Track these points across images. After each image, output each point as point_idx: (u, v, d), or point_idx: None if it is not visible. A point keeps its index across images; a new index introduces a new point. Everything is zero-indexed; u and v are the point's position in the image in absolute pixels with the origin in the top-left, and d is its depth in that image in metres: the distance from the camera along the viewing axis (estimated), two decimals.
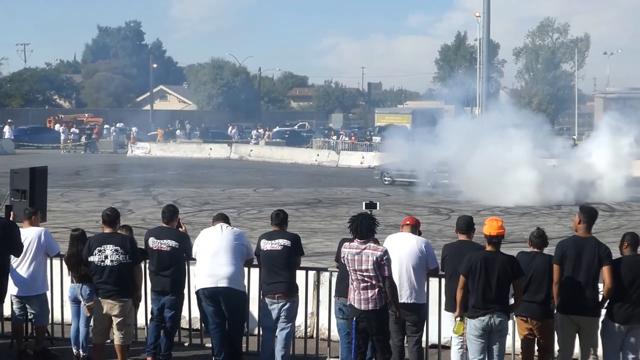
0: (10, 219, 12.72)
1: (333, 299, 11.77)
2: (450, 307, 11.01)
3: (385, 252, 10.07)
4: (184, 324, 12.87)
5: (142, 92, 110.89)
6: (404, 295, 10.91)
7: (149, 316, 12.27)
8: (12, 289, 12.21)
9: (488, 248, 10.28)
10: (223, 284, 11.37)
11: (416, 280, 11.10)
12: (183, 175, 44.88)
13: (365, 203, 12.06)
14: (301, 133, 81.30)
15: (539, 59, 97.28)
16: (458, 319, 10.41)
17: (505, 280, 10.15)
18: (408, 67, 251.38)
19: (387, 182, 40.48)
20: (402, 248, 11.08)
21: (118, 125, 74.76)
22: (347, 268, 10.17)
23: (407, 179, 38.94)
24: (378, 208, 11.85)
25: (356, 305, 10.12)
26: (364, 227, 10.09)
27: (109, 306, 11.31)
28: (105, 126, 75.68)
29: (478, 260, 10.19)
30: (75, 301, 12.18)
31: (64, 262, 12.55)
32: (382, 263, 9.98)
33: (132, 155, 61.82)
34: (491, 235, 10.24)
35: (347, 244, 10.29)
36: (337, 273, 11.64)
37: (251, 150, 61.95)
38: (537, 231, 10.86)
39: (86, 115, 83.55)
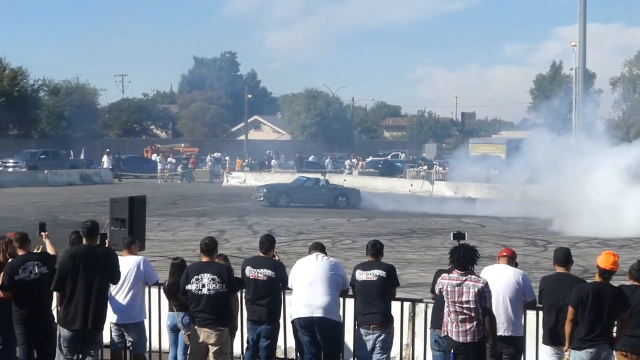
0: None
1: (429, 331, 11.69)
2: (547, 340, 10.84)
3: (487, 284, 9.99)
4: (279, 353, 12.89)
5: (237, 122, 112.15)
6: (501, 328, 10.77)
7: (245, 345, 12.36)
8: (111, 316, 12.37)
9: (597, 279, 10.16)
10: (319, 313, 11.41)
11: (513, 312, 10.96)
12: (277, 205, 45.13)
13: (453, 234, 11.96)
14: (394, 163, 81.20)
15: (636, 89, 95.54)
16: (567, 353, 10.25)
17: (614, 313, 10.03)
18: (502, 96, 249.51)
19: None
20: (499, 280, 10.94)
21: (215, 154, 75.52)
22: (445, 299, 10.10)
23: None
24: (466, 239, 11.76)
25: (454, 338, 10.02)
26: (466, 259, 10.02)
27: (206, 335, 11.41)
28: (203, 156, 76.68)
29: (589, 291, 10.06)
30: (174, 330, 12.32)
31: (162, 290, 12.72)
32: (485, 295, 9.91)
33: (228, 185, 62.45)
34: (605, 269, 10.16)
35: (445, 275, 10.22)
36: (432, 304, 11.57)
37: (345, 180, 61.92)
38: (638, 264, 10.63)
39: (182, 145, 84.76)
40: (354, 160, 77.81)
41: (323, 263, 11.68)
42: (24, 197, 46.63)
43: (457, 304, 9.97)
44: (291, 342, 12.47)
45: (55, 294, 11.64)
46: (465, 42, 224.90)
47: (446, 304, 10.07)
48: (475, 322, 9.94)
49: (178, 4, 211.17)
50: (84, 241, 11.46)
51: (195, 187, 61.31)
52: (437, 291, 10.40)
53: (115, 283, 11.93)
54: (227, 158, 75.23)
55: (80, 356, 11.56)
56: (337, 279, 11.65)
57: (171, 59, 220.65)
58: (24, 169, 64.62)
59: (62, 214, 36.97)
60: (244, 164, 73.88)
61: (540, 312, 11.21)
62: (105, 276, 11.31)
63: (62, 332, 11.27)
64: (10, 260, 11.71)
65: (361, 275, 11.61)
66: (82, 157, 72.63)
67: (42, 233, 12.84)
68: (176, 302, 12.03)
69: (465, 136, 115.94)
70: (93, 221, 11.53)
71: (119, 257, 12.39)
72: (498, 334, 10.44)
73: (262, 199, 44.80)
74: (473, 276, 10.01)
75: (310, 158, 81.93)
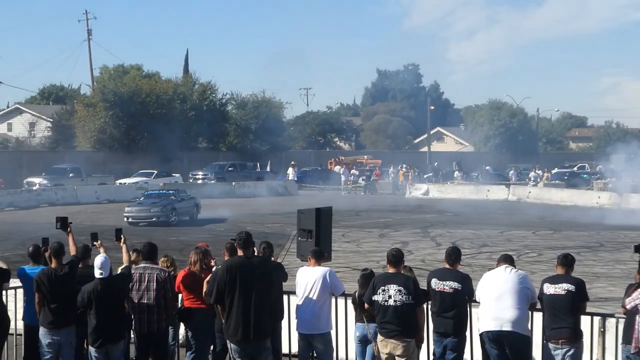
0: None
1: (620, 347, 11.41)
2: None
3: None
4: None
5: (420, 133, 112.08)
6: None
7: (431, 357, 12.37)
8: (298, 327, 12.61)
9: None
10: (508, 327, 11.30)
11: None
12: (461, 217, 44.88)
13: (635, 246, 11.70)
14: (581, 175, 79.24)
15: None
16: None
17: None
18: None
19: None
20: None
21: (400, 166, 75.50)
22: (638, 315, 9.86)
23: None
24: None
25: None
26: None
27: (393, 346, 11.49)
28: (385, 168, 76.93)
29: None
30: (362, 341, 12.43)
31: (350, 301, 12.87)
32: None
33: (410, 197, 62.48)
34: None
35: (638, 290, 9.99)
36: (624, 320, 11.29)
37: (529, 192, 60.98)
38: None
39: (365, 157, 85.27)
40: (539, 172, 76.41)
41: (512, 276, 11.57)
42: (212, 208, 47.98)
43: None
44: (477, 355, 12.40)
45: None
46: None
47: (638, 320, 9.82)
48: None
49: (361, 17, 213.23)
50: (239, 252, 11.51)
51: (377, 198, 61.61)
52: (628, 306, 10.15)
53: (274, 294, 11.93)
54: (409, 169, 75.19)
55: None
56: (527, 292, 11.51)
57: (354, 71, 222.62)
58: (212, 181, 66.54)
59: (249, 224, 37.86)
60: (413, 173, 73.34)
61: None
62: (263, 286, 11.40)
63: (230, 344, 11.46)
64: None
65: (549, 289, 11.45)
66: (268, 169, 74.16)
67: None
68: (367, 313, 12.12)
69: None
70: (247, 232, 11.63)
71: (306, 267, 12.64)
72: None
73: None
74: None
75: (487, 168, 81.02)
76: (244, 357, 11.38)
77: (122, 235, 12.60)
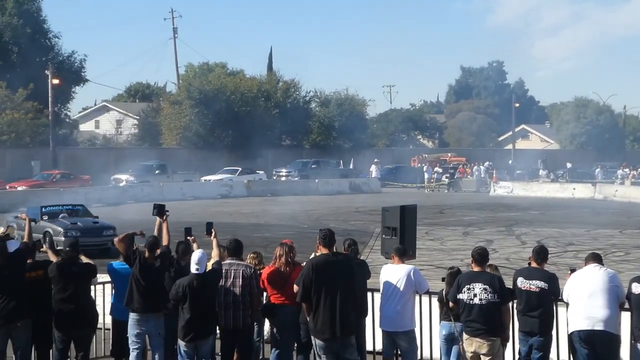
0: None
1: None
2: None
3: None
4: None
5: (504, 131, 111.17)
6: None
7: (517, 357, 12.28)
8: (382, 324, 12.63)
9: None
10: (599, 327, 11.19)
11: None
12: (546, 215, 44.37)
13: None
14: None
15: None
16: None
17: None
18: None
19: None
20: None
21: (486, 164, 74.98)
22: None
23: None
24: None
25: None
26: None
27: (478, 345, 11.44)
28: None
29: None
30: (448, 339, 12.39)
31: (434, 299, 12.84)
32: None
33: (495, 195, 61.97)
34: None
35: None
36: None
37: (616, 191, 59.96)
38: None
39: (449, 154, 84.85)
40: (626, 170, 75.14)
41: (602, 274, 11.44)
42: (296, 205, 48.24)
43: None
44: (564, 355, 12.28)
45: None
46: None
47: None
48: None
49: (444, 13, 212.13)
50: (323, 250, 11.56)
51: (462, 196, 61.24)
52: None
53: (358, 291, 11.95)
54: (486, 164, 74.64)
55: None
56: (617, 291, 11.38)
57: (438, 68, 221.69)
58: (296, 178, 66.92)
59: (333, 222, 37.96)
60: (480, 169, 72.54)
61: None
62: (347, 283, 11.43)
63: (316, 341, 11.51)
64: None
65: (638, 289, 11.27)
66: (351, 166, 74.32)
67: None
68: (453, 311, 12.06)
69: None
70: (330, 229, 11.70)
71: (390, 265, 12.65)
72: None
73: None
74: None
75: (568, 165, 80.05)
76: (330, 354, 11.45)
77: (212, 229, 12.73)
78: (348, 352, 11.52)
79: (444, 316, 12.45)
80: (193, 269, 11.80)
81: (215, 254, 12.42)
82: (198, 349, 11.96)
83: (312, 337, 11.60)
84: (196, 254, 11.89)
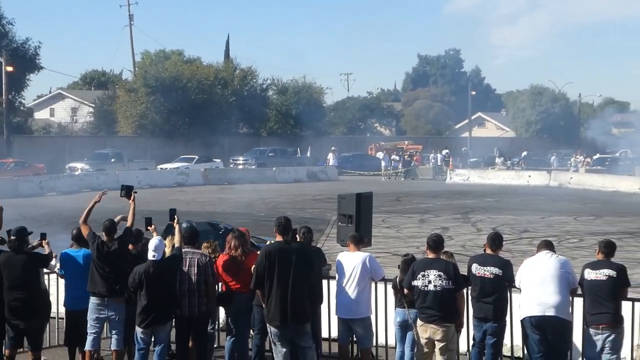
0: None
1: None
2: None
3: None
4: (505, 351, 12.80)
5: (461, 119, 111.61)
6: None
7: (471, 342, 12.37)
8: (338, 311, 12.66)
9: None
10: (551, 312, 11.31)
11: None
12: (502, 203, 44.69)
13: None
14: (623, 160, 78.49)
15: None
16: None
17: None
18: None
19: None
20: None
21: (444, 152, 75.28)
22: None
23: None
24: None
25: None
26: None
27: (432, 331, 11.52)
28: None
29: None
30: (402, 326, 12.44)
31: (390, 287, 12.88)
32: None
33: (451, 182, 62.26)
34: None
35: None
36: None
37: (571, 178, 60.53)
38: None
39: (406, 142, 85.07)
40: (580, 158, 75.88)
41: (553, 261, 11.57)
42: (253, 193, 48.16)
43: None
44: (517, 340, 12.39)
45: None
46: None
47: None
48: None
49: (402, 2, 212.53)
50: (279, 237, 11.60)
51: (418, 184, 61.47)
52: None
53: (313, 279, 11.99)
54: (445, 151, 75.06)
55: (294, 348, 11.83)
56: (568, 277, 11.51)
57: (396, 56, 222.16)
58: (253, 167, 66.80)
59: (290, 210, 37.96)
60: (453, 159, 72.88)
61: None
62: (301, 270, 11.45)
63: (271, 328, 11.57)
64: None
65: (590, 275, 11.42)
66: (308, 154, 74.34)
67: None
68: (407, 298, 12.13)
69: None
70: (286, 217, 11.72)
71: (346, 252, 12.68)
72: None
73: None
74: None
75: (523, 153, 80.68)
76: (283, 341, 11.49)
77: (175, 216, 12.68)
78: (302, 340, 11.56)
79: (398, 303, 12.50)
80: (150, 255, 11.78)
81: (177, 239, 12.38)
82: (155, 335, 11.97)
83: (268, 325, 11.62)
84: (153, 242, 11.86)
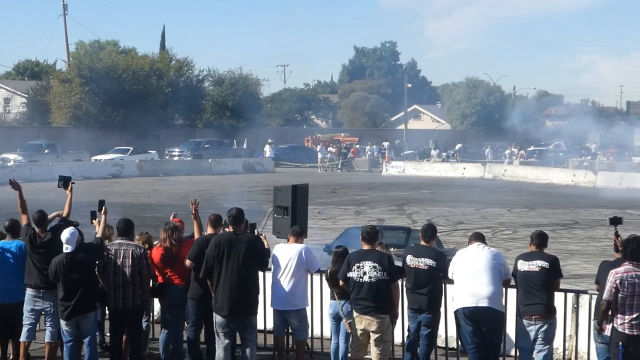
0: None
1: (592, 322, 11.51)
2: None
3: None
4: (440, 342, 12.90)
5: (397, 111, 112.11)
6: None
7: (406, 333, 12.43)
8: (273, 303, 12.65)
9: None
10: (484, 303, 11.40)
11: None
12: (437, 195, 45.02)
13: (610, 218, 11.89)
14: (557, 153, 79.56)
15: None
16: None
17: None
18: None
19: None
20: None
21: (384, 144, 75.56)
22: (621, 292, 10.10)
23: None
24: (623, 223, 11.61)
25: (627, 331, 10.08)
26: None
27: (367, 322, 11.55)
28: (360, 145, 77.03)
29: None
30: (336, 318, 12.47)
31: (324, 278, 12.90)
32: None
33: (387, 174, 62.57)
34: None
35: (623, 268, 10.15)
36: (597, 296, 11.39)
37: (505, 170, 61.22)
38: None
39: (342, 134, 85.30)
40: (515, 150, 76.70)
41: (485, 253, 11.67)
42: (188, 185, 47.93)
43: (637, 297, 10.07)
44: (452, 331, 12.48)
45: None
46: (634, 29, 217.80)
47: (621, 296, 10.05)
48: None
49: None
50: (230, 229, 11.71)
51: (354, 176, 61.66)
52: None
53: (262, 269, 12.20)
54: (385, 143, 75.41)
55: (239, 340, 11.91)
56: (500, 269, 11.62)
57: (332, 49, 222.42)
58: (189, 158, 66.43)
59: (226, 202, 37.77)
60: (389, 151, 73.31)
61: None
62: (250, 262, 11.51)
63: (216, 318, 11.60)
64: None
65: (523, 266, 11.54)
66: (244, 146, 74.13)
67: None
68: (338, 290, 12.17)
69: (630, 126, 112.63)
70: (238, 209, 11.77)
71: (283, 244, 12.67)
72: None
73: None
74: None
75: (458, 145, 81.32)
76: (228, 332, 11.54)
77: (104, 207, 12.56)
78: (248, 332, 11.66)
79: (332, 295, 12.53)
80: (63, 248, 11.65)
81: (100, 230, 12.26)
82: (81, 326, 11.82)
83: (214, 314, 11.65)
84: (65, 233, 11.70)
